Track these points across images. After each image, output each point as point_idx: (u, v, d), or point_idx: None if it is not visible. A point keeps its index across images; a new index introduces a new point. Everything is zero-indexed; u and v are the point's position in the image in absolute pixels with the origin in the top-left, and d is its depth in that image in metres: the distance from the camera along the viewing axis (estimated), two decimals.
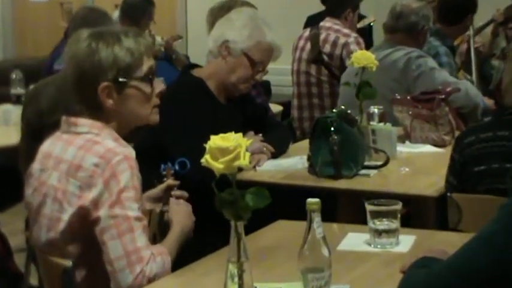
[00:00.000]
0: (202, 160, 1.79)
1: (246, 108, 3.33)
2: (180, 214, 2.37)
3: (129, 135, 2.34)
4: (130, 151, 2.19)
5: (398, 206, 2.25)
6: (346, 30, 4.96)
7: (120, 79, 2.19)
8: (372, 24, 5.94)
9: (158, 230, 2.40)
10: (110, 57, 2.18)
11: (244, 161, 1.76)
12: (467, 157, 2.64)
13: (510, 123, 2.60)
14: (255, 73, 3.22)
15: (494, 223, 1.66)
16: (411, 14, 4.13)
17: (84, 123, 2.20)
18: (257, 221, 2.30)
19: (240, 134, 1.80)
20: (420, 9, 4.17)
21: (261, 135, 3.27)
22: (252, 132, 3.24)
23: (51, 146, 2.23)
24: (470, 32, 4.95)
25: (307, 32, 5.10)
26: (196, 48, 7.40)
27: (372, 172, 3.11)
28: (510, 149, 2.57)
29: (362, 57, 3.36)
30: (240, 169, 1.80)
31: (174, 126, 3.00)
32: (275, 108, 5.39)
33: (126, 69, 2.19)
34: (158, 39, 5.96)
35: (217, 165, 1.76)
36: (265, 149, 3.24)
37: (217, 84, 3.22)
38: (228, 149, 1.75)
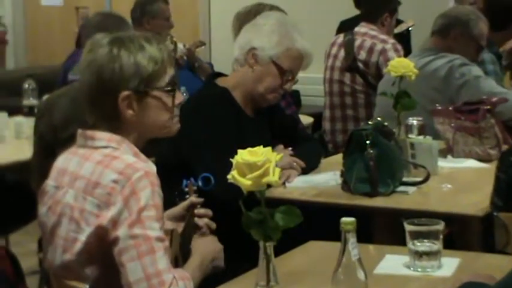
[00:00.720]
0: (229, 176, 1.80)
1: (274, 120, 3.34)
2: (203, 243, 2.38)
3: (150, 149, 2.35)
4: (151, 167, 2.20)
5: (440, 226, 2.24)
6: (383, 36, 4.96)
7: (142, 89, 2.21)
8: (410, 29, 5.93)
9: (180, 251, 2.40)
10: (132, 66, 2.19)
11: (273, 177, 1.77)
12: None
13: None
14: (284, 82, 3.22)
15: None
16: (459, 22, 4.12)
17: (102, 136, 2.21)
18: (287, 242, 2.31)
19: (269, 148, 1.81)
20: (468, 17, 4.15)
21: (290, 149, 3.28)
22: (281, 146, 3.25)
23: (66, 161, 2.25)
24: None
25: (340, 38, 5.10)
26: (221, 56, 7.43)
27: (411, 189, 3.10)
28: None
29: (399, 65, 3.36)
30: (269, 186, 1.81)
31: (197, 140, 3.01)
32: (305, 120, 5.39)
33: (148, 78, 2.21)
34: (180, 46, 6.00)
35: (245, 182, 1.77)
36: (295, 164, 3.24)
37: (244, 95, 3.22)
38: (256, 164, 1.76)
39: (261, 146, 1.82)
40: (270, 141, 3.18)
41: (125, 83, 2.19)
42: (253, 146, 1.83)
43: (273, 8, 4.00)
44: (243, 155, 1.78)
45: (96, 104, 2.23)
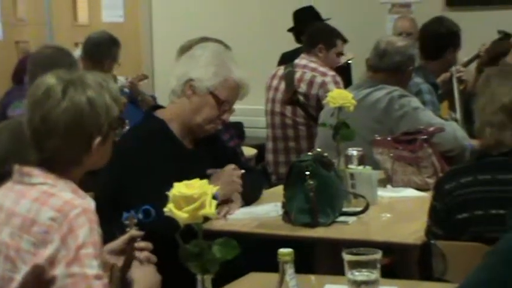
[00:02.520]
0: (166, 209, 1.79)
1: (215, 152, 3.34)
2: (143, 273, 2.36)
3: (90, 183, 2.34)
4: (89, 203, 2.17)
5: (378, 255, 2.25)
6: (323, 69, 5.01)
7: (108, 131, 2.21)
8: (350, 61, 6.00)
9: (120, 286, 2.38)
10: (103, 109, 2.19)
11: (210, 209, 1.77)
12: (450, 205, 2.66)
13: (490, 166, 2.64)
14: (221, 113, 3.23)
15: (480, 271, 1.67)
16: (397, 54, 4.17)
17: (39, 173, 2.18)
18: (228, 274, 2.31)
19: (205, 181, 1.81)
20: (406, 49, 4.21)
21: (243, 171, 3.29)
22: (232, 166, 3.24)
23: (2, 197, 2.21)
24: (453, 68, 5.01)
25: (281, 70, 5.14)
26: (164, 89, 7.41)
27: (351, 219, 3.12)
28: (492, 195, 2.60)
29: (338, 97, 3.39)
30: (207, 218, 1.81)
31: (135, 173, 3.00)
32: (249, 151, 5.41)
33: (113, 120, 2.22)
34: (121, 79, 5.98)
35: (182, 215, 1.77)
36: (237, 192, 3.24)
37: (182, 126, 3.22)
38: (193, 197, 1.76)
39: (200, 179, 1.82)
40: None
41: (100, 127, 2.19)
42: (192, 178, 1.83)
43: (217, 41, 4.01)
44: (180, 188, 1.78)
45: (63, 145, 2.19)
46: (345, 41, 5.51)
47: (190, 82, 3.20)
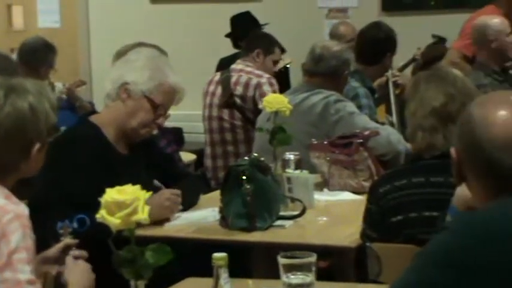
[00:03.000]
0: (98, 215, 1.79)
1: (150, 158, 3.32)
2: (77, 274, 2.34)
3: (25, 190, 2.32)
4: (22, 209, 2.16)
5: (313, 258, 2.27)
6: (258, 71, 5.03)
7: (46, 138, 2.21)
8: (288, 66, 6.03)
9: None
10: (43, 115, 2.19)
11: (142, 215, 1.76)
12: (385, 208, 2.68)
13: (424, 169, 2.67)
14: (156, 117, 3.22)
15: (410, 273, 1.69)
16: (332, 58, 4.20)
17: None
18: (164, 280, 2.30)
19: (137, 187, 1.80)
20: (341, 53, 4.24)
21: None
22: (173, 190, 3.22)
23: None
24: (389, 72, 5.07)
25: (217, 76, 5.15)
26: (102, 94, 7.37)
27: (288, 223, 3.13)
28: (426, 197, 2.63)
29: (274, 101, 3.41)
30: (140, 224, 1.81)
31: (67, 180, 2.97)
32: (188, 157, 5.40)
33: (52, 127, 2.22)
34: (59, 85, 5.92)
35: (114, 221, 1.76)
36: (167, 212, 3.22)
37: (117, 131, 3.19)
38: (125, 202, 1.75)
39: (134, 184, 1.82)
40: (147, 178, 3.18)
41: (41, 134, 2.19)
42: (126, 183, 1.83)
43: (152, 46, 3.99)
44: (112, 194, 1.77)
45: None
46: (283, 50, 5.54)
47: (125, 86, 3.18)
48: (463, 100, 2.67)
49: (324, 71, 4.20)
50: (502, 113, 1.81)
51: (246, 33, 5.56)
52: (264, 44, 5.19)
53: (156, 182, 3.24)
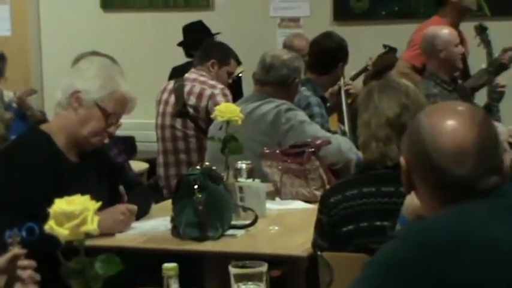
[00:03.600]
0: (46, 226, 1.76)
1: (101, 167, 3.29)
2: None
3: None
4: None
5: (264, 267, 2.26)
6: (212, 82, 5.02)
7: None
8: (240, 75, 6.03)
9: None
10: None
11: (92, 226, 1.74)
12: (336, 218, 2.69)
13: (375, 179, 2.68)
14: (108, 125, 3.19)
15: (359, 282, 1.70)
16: (282, 67, 4.22)
17: None
18: None
19: (87, 197, 1.78)
20: (291, 61, 4.26)
21: (121, 188, 3.25)
22: (130, 206, 3.21)
23: None
24: (341, 81, 5.09)
25: (171, 85, 5.13)
26: (54, 103, 7.31)
27: (240, 232, 3.12)
28: (377, 206, 2.64)
29: (226, 110, 3.41)
30: (89, 235, 1.78)
31: (16, 188, 2.93)
32: (141, 166, 5.38)
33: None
34: (9, 94, 5.85)
35: (62, 232, 1.73)
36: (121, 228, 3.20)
37: (67, 139, 3.16)
38: (74, 213, 1.73)
39: (84, 193, 1.79)
40: (98, 187, 3.16)
41: None
42: (76, 192, 1.80)
43: (107, 56, 3.96)
44: (60, 204, 1.74)
45: None
46: (239, 62, 5.54)
47: (77, 94, 3.15)
48: (416, 111, 2.68)
49: (274, 80, 4.21)
50: (450, 122, 1.83)
51: (199, 42, 5.54)
52: (220, 54, 5.18)
53: (121, 189, 3.22)
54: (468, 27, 5.33)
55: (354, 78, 5.78)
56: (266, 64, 4.23)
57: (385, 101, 2.73)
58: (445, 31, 4.93)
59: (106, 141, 3.26)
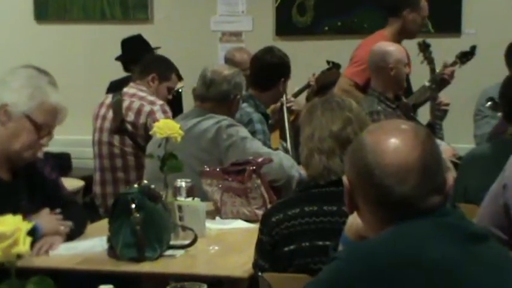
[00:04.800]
0: None
1: (33, 185, 3.25)
2: None
3: None
4: None
5: None
6: (151, 98, 5.00)
7: None
8: (180, 90, 6.03)
9: None
10: None
11: (24, 247, 1.72)
12: (277, 237, 2.69)
13: (317, 197, 2.69)
14: (40, 137, 3.16)
15: None
16: (223, 82, 4.21)
17: None
18: None
19: (19, 217, 1.76)
20: (232, 77, 4.26)
21: (57, 211, 3.22)
22: (46, 210, 3.18)
23: None
24: (284, 98, 5.11)
25: (109, 99, 5.10)
26: None
27: (179, 252, 3.11)
28: (319, 226, 2.66)
29: (165, 127, 3.39)
30: (20, 256, 1.76)
31: None
32: (76, 183, 5.33)
33: None
34: None
35: None
36: (62, 227, 3.18)
37: None
38: (5, 234, 1.70)
39: (16, 212, 1.77)
40: (30, 207, 3.12)
41: None
42: (7, 211, 1.78)
43: (41, 71, 3.91)
44: None
45: None
46: (180, 78, 5.53)
47: (5, 108, 3.11)
48: (359, 126, 2.72)
49: (214, 96, 4.20)
50: (393, 140, 1.85)
51: (137, 56, 5.52)
52: (161, 68, 5.17)
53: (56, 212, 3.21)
54: (410, 44, 5.40)
55: (296, 94, 5.81)
56: (207, 80, 4.22)
57: (328, 115, 2.76)
58: (395, 48, 4.97)
59: (40, 154, 3.22)
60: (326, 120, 2.75)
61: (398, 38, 5.40)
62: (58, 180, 3.47)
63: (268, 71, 4.91)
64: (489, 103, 4.92)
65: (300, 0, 6.84)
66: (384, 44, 5.06)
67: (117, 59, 6.10)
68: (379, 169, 1.82)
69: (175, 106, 5.50)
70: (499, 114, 4.35)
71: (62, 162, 6.36)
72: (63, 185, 3.54)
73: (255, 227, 3.41)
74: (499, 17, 6.44)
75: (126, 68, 5.99)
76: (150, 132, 3.59)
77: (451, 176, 1.92)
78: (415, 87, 5.44)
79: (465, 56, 5.38)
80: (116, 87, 5.61)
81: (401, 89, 5.00)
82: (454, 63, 5.34)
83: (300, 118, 2.94)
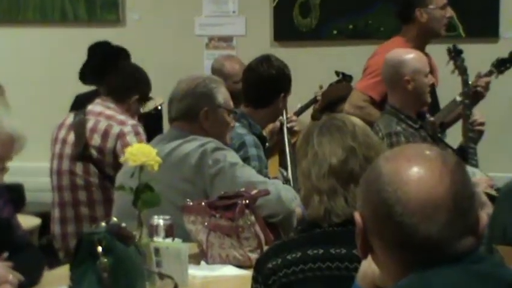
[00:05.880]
0: None
1: None
2: None
3: None
4: None
5: None
6: (121, 117, 5.01)
7: None
8: (160, 107, 6.04)
9: None
10: None
11: None
12: (274, 287, 2.69)
13: (322, 239, 2.70)
14: None
15: None
16: (185, 97, 4.19)
17: None
18: None
19: None
20: (195, 88, 4.21)
21: (5, 254, 3.22)
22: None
23: None
24: (284, 117, 5.12)
25: (70, 119, 5.11)
26: None
27: None
28: (325, 273, 2.65)
29: (139, 153, 3.39)
30: None
31: None
32: (31, 221, 5.32)
33: None
34: None
35: None
36: (11, 277, 3.19)
37: None
38: None
39: None
40: None
41: None
42: None
43: None
44: None
45: None
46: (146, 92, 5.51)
47: None
48: (366, 154, 2.73)
49: (175, 115, 4.20)
50: (416, 169, 1.85)
51: (106, 66, 5.53)
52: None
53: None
54: (438, 50, 5.41)
55: (299, 112, 5.84)
56: (178, 95, 4.23)
57: (326, 145, 2.76)
58: (412, 56, 4.96)
59: None
60: (323, 151, 2.75)
61: (420, 42, 5.40)
62: (12, 217, 3.49)
63: (264, 84, 4.92)
64: None
65: None
66: (398, 51, 5.06)
67: (83, 69, 6.07)
68: (400, 204, 1.82)
69: (153, 127, 5.51)
70: None
71: (14, 195, 6.34)
72: (19, 223, 3.56)
73: (247, 273, 3.41)
74: None
75: (92, 80, 5.94)
76: (120, 160, 3.60)
77: (485, 213, 1.92)
78: (443, 102, 5.45)
79: (503, 64, 5.40)
80: (83, 101, 5.58)
81: (424, 105, 5.01)
82: (489, 73, 5.36)
83: (297, 146, 2.94)
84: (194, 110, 4.21)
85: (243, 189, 3.78)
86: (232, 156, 4.13)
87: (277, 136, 5.21)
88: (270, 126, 5.14)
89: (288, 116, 5.22)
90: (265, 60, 5.02)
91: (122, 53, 6.05)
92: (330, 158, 2.73)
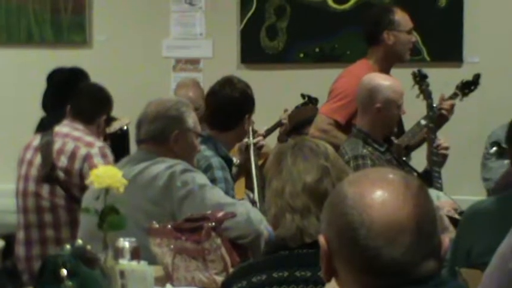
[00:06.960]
0: None
1: None
2: None
3: None
4: None
5: None
6: (89, 138, 5.00)
7: None
8: (126, 127, 6.02)
9: None
10: None
11: None
12: None
13: (288, 261, 2.69)
14: None
15: None
16: (155, 120, 4.19)
17: None
18: None
19: None
20: (166, 110, 4.22)
21: None
22: None
23: None
24: (250, 138, 5.12)
25: (37, 140, 5.09)
26: None
27: None
28: None
29: (105, 175, 3.38)
30: None
31: None
32: None
33: None
34: None
35: None
36: None
37: None
38: None
39: None
40: None
41: None
42: None
43: None
44: None
45: None
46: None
47: None
48: (338, 175, 2.73)
49: (145, 137, 4.19)
50: (380, 193, 1.86)
51: (67, 90, 5.50)
52: (97, 101, 5.18)
53: None
54: (403, 74, 5.42)
55: (265, 134, 5.83)
56: (148, 117, 4.22)
57: (301, 164, 2.76)
58: (388, 85, 4.90)
59: None
60: (298, 170, 2.75)
61: (386, 65, 5.40)
62: None
63: (228, 108, 4.90)
64: (494, 148, 4.95)
65: (269, 22, 6.90)
66: (375, 76, 5.03)
67: (46, 92, 6.02)
68: (364, 228, 1.82)
69: (119, 148, 5.49)
70: (506, 161, 4.38)
71: None
72: None
73: None
74: (506, 43, 6.52)
75: (49, 109, 5.87)
76: (87, 182, 3.58)
77: (447, 237, 1.93)
78: (408, 125, 5.45)
79: (467, 87, 5.42)
80: (49, 123, 5.55)
81: (389, 134, 5.02)
82: (454, 95, 5.38)
83: (266, 167, 2.94)
84: (165, 133, 4.20)
85: (209, 211, 3.77)
86: (200, 178, 4.12)
87: (243, 155, 5.20)
88: (237, 144, 5.14)
89: (256, 133, 5.22)
90: (228, 83, 4.99)
91: (80, 75, 6.01)
92: (305, 176, 2.73)
